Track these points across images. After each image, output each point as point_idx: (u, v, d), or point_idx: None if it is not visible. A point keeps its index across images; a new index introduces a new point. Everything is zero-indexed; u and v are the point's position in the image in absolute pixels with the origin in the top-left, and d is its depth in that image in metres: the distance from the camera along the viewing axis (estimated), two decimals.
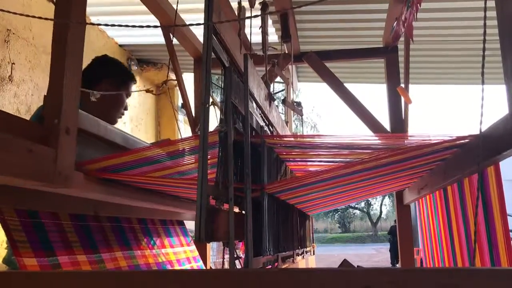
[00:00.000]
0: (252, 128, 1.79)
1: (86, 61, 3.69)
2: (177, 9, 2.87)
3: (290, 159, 2.44)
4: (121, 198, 1.85)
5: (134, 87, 2.68)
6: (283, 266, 2.52)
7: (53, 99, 1.42)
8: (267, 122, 2.15)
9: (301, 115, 4.47)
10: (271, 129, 2.26)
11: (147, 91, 3.95)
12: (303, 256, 3.62)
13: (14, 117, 1.35)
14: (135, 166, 1.81)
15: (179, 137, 2.58)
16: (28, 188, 1.44)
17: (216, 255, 7.12)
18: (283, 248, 2.35)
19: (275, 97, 2.50)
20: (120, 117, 2.59)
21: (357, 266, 2.31)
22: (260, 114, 1.99)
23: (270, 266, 2.32)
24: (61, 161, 1.38)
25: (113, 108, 2.52)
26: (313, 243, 4.19)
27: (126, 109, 2.60)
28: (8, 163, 1.18)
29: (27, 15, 1.53)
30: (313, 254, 4.85)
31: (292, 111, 5.04)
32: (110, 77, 2.52)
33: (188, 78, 4.75)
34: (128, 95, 2.60)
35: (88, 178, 1.57)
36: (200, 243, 2.11)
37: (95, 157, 1.67)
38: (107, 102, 2.43)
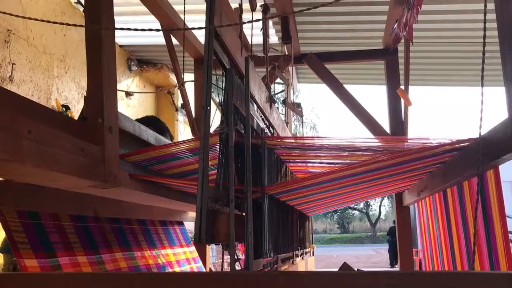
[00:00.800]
0: (253, 129, 1.80)
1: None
2: (185, 11, 2.88)
3: (291, 160, 2.44)
4: (160, 197, 1.89)
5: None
6: (283, 268, 2.53)
7: (95, 99, 1.45)
8: (267, 124, 2.16)
9: (301, 116, 4.48)
10: (272, 131, 2.27)
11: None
12: (302, 257, 3.62)
13: (65, 117, 1.38)
14: (162, 161, 1.88)
15: (179, 137, 2.62)
16: (28, 188, 1.44)
17: (215, 256, 7.12)
18: (283, 249, 2.36)
19: (275, 98, 2.50)
20: None
21: (357, 269, 2.31)
22: (261, 116, 1.99)
23: (269, 268, 2.33)
24: (108, 160, 1.41)
25: None
26: (312, 244, 4.19)
27: None
28: (65, 160, 1.20)
29: (30, 18, 1.54)
30: (313, 255, 4.85)
31: (292, 112, 5.05)
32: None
33: (189, 79, 4.75)
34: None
35: (132, 177, 1.60)
36: (201, 244, 2.11)
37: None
38: None
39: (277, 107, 2.69)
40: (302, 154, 2.25)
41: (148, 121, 2.58)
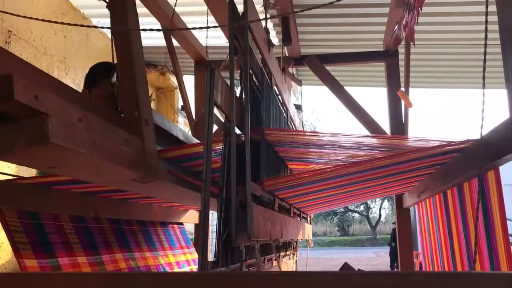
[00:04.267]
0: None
1: (88, 63, 3.70)
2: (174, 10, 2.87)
3: (290, 157, 2.44)
4: (195, 193, 1.89)
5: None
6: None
7: (129, 93, 1.47)
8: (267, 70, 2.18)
9: (300, 85, 4.57)
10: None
11: None
12: (289, 257, 3.62)
13: (109, 109, 1.38)
14: (193, 158, 1.90)
15: None
16: (28, 188, 1.44)
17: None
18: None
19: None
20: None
21: (358, 269, 2.31)
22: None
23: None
24: (148, 151, 1.41)
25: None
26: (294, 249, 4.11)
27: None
28: (113, 150, 1.21)
29: (30, 18, 1.54)
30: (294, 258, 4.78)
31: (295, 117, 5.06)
32: (97, 84, 2.48)
33: (189, 80, 4.75)
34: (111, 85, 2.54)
35: (169, 170, 1.61)
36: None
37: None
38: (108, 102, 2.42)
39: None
40: (303, 151, 2.24)
41: (109, 68, 2.50)
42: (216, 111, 1.44)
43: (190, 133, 3.93)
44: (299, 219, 3.23)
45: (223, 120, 1.54)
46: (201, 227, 1.28)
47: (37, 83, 1.04)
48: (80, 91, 2.04)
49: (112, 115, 1.44)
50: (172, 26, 3.22)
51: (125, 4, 1.52)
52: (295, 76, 5.03)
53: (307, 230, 3.86)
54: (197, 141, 2.28)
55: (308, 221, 4.24)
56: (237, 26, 1.59)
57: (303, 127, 4.41)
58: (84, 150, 1.07)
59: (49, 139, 0.94)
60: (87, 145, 1.08)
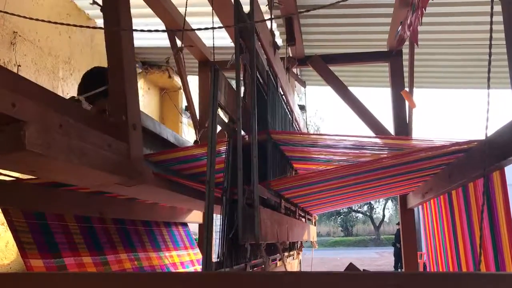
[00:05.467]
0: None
1: (92, 64, 3.70)
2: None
3: (296, 157, 2.44)
4: (182, 196, 1.89)
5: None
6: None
7: (117, 97, 1.48)
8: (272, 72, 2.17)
9: (304, 87, 4.57)
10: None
11: None
12: (293, 258, 3.62)
13: (93, 113, 1.38)
14: (182, 161, 1.89)
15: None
16: (35, 188, 1.45)
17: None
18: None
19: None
20: None
21: (363, 270, 2.30)
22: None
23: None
24: (133, 156, 1.41)
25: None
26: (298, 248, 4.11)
27: None
28: (94, 156, 1.21)
29: (36, 19, 1.54)
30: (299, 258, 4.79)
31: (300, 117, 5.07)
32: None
33: (193, 81, 4.76)
34: None
35: (156, 174, 1.61)
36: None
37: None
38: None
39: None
40: (307, 150, 2.24)
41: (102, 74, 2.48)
42: (220, 112, 1.44)
43: (194, 134, 3.93)
44: (304, 220, 3.24)
45: (226, 121, 1.54)
46: (206, 227, 1.28)
47: (15, 90, 1.05)
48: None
49: (97, 120, 1.43)
50: (176, 26, 3.22)
51: (118, 7, 1.52)
52: (299, 76, 5.03)
53: (312, 232, 3.86)
54: (190, 143, 2.25)
55: (313, 223, 4.24)
56: (243, 26, 1.59)
57: (307, 127, 4.41)
58: (63, 156, 1.08)
59: (25, 147, 0.96)
60: (66, 151, 1.09)
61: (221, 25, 2.93)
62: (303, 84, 4.76)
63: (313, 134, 2.22)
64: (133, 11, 5.15)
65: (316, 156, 2.34)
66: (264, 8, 2.98)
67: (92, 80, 2.31)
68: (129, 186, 1.46)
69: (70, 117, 1.14)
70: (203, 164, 1.98)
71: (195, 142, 3.12)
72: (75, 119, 1.16)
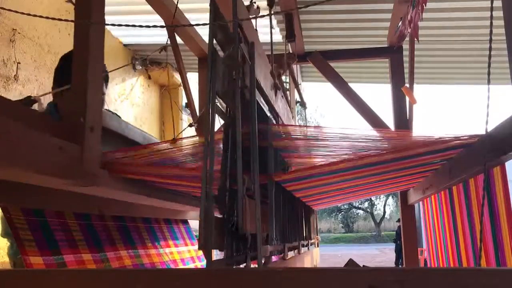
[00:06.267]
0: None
1: None
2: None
3: (295, 155, 2.43)
4: (144, 197, 1.87)
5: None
6: (289, 257, 2.53)
7: (78, 98, 1.43)
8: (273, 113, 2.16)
9: (297, 87, 4.59)
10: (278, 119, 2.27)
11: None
12: (308, 248, 3.64)
13: (45, 116, 1.36)
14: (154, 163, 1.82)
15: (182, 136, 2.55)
16: (34, 186, 1.44)
17: (219, 255, 7.11)
18: (290, 238, 2.37)
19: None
20: (104, 92, 2.45)
21: (363, 266, 2.30)
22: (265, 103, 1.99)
23: (276, 257, 2.33)
24: (87, 159, 1.39)
25: None
26: (317, 235, 4.18)
27: (106, 81, 2.47)
28: (42, 160, 1.19)
29: (34, 15, 1.53)
30: (317, 246, 4.85)
31: (294, 113, 5.06)
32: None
33: (193, 78, 4.75)
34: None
35: (113, 176, 1.58)
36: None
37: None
38: None
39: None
40: (308, 144, 2.23)
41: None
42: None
43: (194, 131, 3.93)
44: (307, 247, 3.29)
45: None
46: (203, 221, 1.27)
47: None
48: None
49: (51, 123, 1.38)
50: (175, 23, 3.21)
51: (91, 3, 1.48)
52: (299, 73, 5.02)
53: (315, 255, 3.90)
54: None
55: (316, 244, 4.28)
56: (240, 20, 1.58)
57: (306, 124, 4.40)
58: (4, 162, 1.06)
59: None
60: (8, 156, 1.07)
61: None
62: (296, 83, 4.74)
63: (312, 128, 2.21)
64: (134, 8, 5.16)
65: (315, 150, 2.33)
66: (263, 4, 2.97)
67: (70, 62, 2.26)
68: (86, 186, 1.43)
69: (16, 120, 1.12)
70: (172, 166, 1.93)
71: (190, 125, 3.09)
72: (22, 122, 1.14)
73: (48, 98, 2.19)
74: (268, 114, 2.02)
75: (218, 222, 1.26)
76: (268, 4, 2.35)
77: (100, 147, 1.49)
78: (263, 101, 1.91)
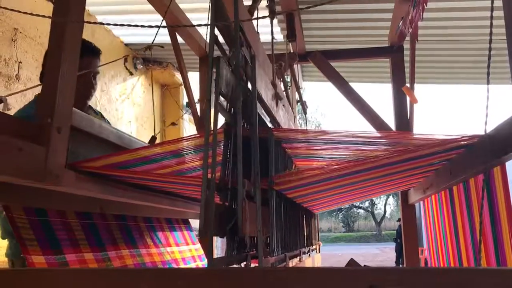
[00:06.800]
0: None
1: None
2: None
3: (298, 154, 2.43)
4: (116, 196, 1.84)
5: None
6: (290, 265, 2.53)
7: (47, 98, 1.41)
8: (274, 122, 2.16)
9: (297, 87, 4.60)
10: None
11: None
12: (309, 255, 3.63)
13: (5, 116, 1.34)
14: (133, 165, 1.80)
15: (183, 135, 2.53)
16: (36, 186, 1.45)
17: (220, 254, 7.13)
18: (291, 247, 2.36)
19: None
20: (94, 88, 2.43)
21: (364, 265, 2.31)
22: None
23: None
24: (52, 160, 1.36)
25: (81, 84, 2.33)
26: (318, 241, 4.19)
27: (94, 78, 2.45)
28: None
29: (32, 14, 1.53)
30: (319, 252, 4.86)
31: (295, 113, 5.06)
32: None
33: (194, 77, 4.76)
34: (92, 65, 2.43)
35: (79, 177, 1.56)
36: (203, 237, 2.07)
37: (88, 155, 1.66)
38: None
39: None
40: (309, 147, 2.24)
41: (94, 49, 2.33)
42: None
43: (195, 130, 3.94)
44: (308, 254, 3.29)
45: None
46: (202, 223, 1.28)
47: None
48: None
49: (12, 124, 1.32)
50: (174, 20, 3.21)
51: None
52: (301, 73, 5.02)
53: (317, 262, 3.89)
54: (141, 143, 2.09)
55: (318, 250, 4.27)
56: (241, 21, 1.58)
57: (306, 124, 4.40)
58: None
59: None
60: None
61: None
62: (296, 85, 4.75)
63: (314, 131, 2.21)
64: (135, 7, 5.16)
65: (317, 153, 2.34)
66: (263, 4, 2.97)
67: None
68: (47, 185, 1.42)
69: None
70: (160, 166, 1.91)
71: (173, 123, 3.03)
72: None
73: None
74: (270, 125, 2.01)
75: (218, 209, 1.26)
76: (269, 12, 2.34)
77: (67, 149, 1.45)
78: (264, 112, 1.91)
